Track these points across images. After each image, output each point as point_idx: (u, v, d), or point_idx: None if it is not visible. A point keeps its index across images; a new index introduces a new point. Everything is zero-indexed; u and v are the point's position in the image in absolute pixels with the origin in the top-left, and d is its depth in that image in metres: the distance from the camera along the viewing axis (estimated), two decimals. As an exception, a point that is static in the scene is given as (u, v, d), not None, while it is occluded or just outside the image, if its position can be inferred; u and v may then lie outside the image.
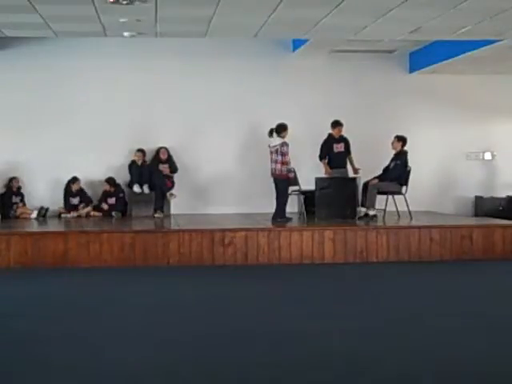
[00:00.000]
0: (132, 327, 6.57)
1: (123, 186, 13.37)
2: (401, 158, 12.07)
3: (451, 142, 14.28)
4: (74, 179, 13.09)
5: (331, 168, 12.41)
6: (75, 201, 13.11)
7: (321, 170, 12.47)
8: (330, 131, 12.48)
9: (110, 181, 13.20)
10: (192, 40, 12.37)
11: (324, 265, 10.30)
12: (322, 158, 12.43)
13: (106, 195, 13.22)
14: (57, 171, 13.26)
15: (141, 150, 13.32)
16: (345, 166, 12.41)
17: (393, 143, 12.21)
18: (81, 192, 13.17)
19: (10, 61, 13.22)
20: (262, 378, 5.02)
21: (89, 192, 13.33)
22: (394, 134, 12.31)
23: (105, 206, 13.11)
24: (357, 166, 12.41)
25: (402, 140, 12.15)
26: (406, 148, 12.15)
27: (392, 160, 12.19)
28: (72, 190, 13.11)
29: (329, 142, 12.49)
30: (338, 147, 12.44)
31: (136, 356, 5.55)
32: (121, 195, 13.24)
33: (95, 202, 13.25)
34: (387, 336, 6.20)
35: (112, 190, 13.18)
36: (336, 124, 12.46)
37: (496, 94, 14.27)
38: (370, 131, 13.05)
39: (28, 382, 4.99)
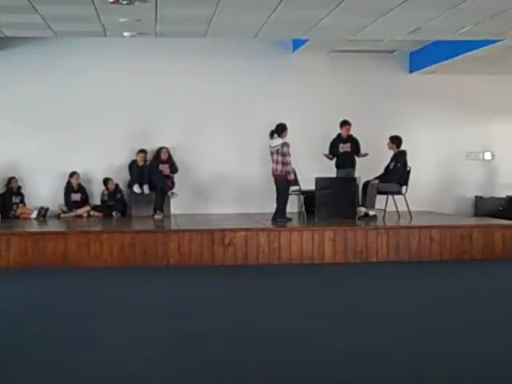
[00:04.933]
0: (132, 327, 6.57)
1: (122, 186, 13.39)
2: (400, 158, 12.06)
3: (451, 141, 14.29)
4: (73, 173, 13.09)
5: (337, 168, 12.45)
6: (76, 197, 13.11)
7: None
8: (339, 131, 12.53)
9: (106, 181, 13.32)
10: (192, 40, 12.37)
11: (324, 265, 10.30)
12: (327, 154, 12.50)
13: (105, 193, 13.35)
14: (57, 171, 13.26)
15: (143, 151, 13.31)
16: (351, 166, 12.41)
17: (388, 144, 12.22)
18: (81, 188, 13.18)
19: (10, 61, 13.21)
20: (261, 378, 5.02)
21: (88, 191, 13.35)
22: (391, 135, 12.33)
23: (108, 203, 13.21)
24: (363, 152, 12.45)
25: (396, 141, 12.15)
26: (403, 147, 12.15)
27: (391, 160, 12.18)
28: (73, 185, 13.11)
29: (336, 141, 12.54)
30: (344, 147, 12.47)
31: (136, 356, 5.55)
32: (118, 196, 13.28)
33: (96, 202, 13.31)
34: (387, 336, 6.20)
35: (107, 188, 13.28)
36: (343, 123, 12.50)
37: (496, 94, 14.26)
38: (369, 131, 13.04)
39: (28, 382, 4.99)
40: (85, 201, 13.17)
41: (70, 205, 13.05)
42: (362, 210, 11.98)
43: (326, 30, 10.22)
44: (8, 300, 7.97)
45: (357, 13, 9.18)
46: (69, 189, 13.13)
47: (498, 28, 9.87)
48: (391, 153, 12.26)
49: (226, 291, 8.40)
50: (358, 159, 12.50)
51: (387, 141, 12.23)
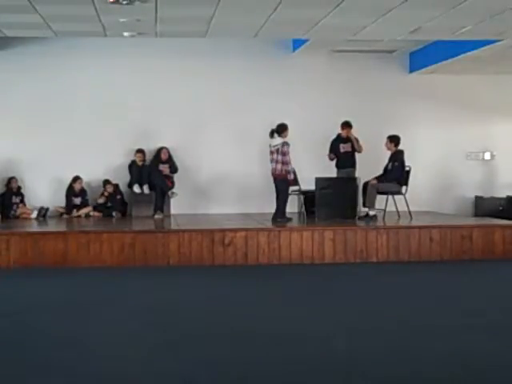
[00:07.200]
0: (132, 327, 6.57)
1: (122, 187, 13.39)
2: (398, 158, 12.04)
3: (451, 142, 14.29)
4: (76, 178, 13.09)
5: (338, 168, 12.45)
6: (77, 201, 13.10)
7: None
8: (339, 131, 12.50)
9: (105, 183, 13.32)
10: (192, 40, 12.37)
11: (324, 265, 10.30)
12: (329, 154, 12.47)
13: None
14: (57, 171, 13.27)
15: (140, 151, 13.31)
16: (352, 166, 12.40)
17: (386, 144, 12.21)
18: (82, 192, 13.17)
19: (10, 61, 13.22)
20: (261, 379, 5.02)
21: (88, 191, 13.35)
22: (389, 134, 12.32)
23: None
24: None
25: (394, 140, 12.13)
26: (403, 147, 12.14)
27: (389, 160, 12.16)
28: (75, 189, 13.10)
29: (336, 141, 12.51)
30: (345, 147, 12.44)
31: (136, 356, 5.55)
32: (118, 196, 13.28)
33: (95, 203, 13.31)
34: (387, 336, 6.20)
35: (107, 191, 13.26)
36: (344, 125, 12.42)
37: (496, 94, 14.27)
38: (369, 131, 13.02)
39: (28, 382, 4.99)
40: (85, 204, 13.15)
41: (70, 208, 13.05)
42: (363, 210, 11.97)
43: (326, 30, 10.22)
44: (8, 300, 7.97)
45: (357, 13, 9.18)
46: (70, 192, 13.12)
47: (497, 28, 9.88)
48: (389, 152, 12.25)
49: (226, 291, 8.40)
50: (358, 159, 12.47)
51: (385, 140, 12.23)
